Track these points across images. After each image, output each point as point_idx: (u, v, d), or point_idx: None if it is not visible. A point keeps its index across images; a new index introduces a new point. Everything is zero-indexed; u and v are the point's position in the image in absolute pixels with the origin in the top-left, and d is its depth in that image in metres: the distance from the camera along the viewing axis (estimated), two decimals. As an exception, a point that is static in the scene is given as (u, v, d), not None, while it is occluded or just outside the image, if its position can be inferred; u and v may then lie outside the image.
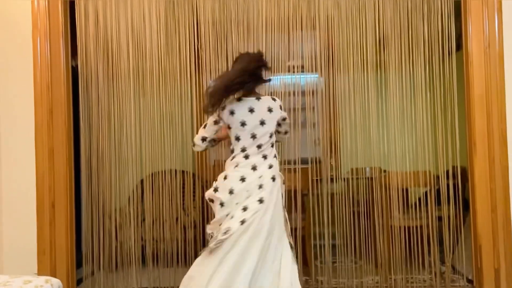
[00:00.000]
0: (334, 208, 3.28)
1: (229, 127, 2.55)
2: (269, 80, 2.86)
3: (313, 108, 3.37)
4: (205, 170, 3.58)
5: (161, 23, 3.25)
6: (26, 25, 3.12)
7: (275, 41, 3.25)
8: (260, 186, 2.44)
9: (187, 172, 3.57)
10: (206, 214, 3.36)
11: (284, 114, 2.64)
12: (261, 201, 2.40)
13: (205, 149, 2.71)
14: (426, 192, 3.31)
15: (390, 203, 3.26)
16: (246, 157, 2.49)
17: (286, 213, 2.56)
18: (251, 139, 2.50)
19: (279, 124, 2.62)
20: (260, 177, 2.46)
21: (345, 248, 3.29)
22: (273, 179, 2.48)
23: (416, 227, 3.26)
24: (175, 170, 3.34)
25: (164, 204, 3.32)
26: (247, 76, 2.48)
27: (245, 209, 2.39)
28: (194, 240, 3.37)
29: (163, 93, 3.28)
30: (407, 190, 3.40)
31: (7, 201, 3.11)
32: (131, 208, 3.31)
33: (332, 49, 3.27)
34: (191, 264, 2.56)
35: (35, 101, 3.11)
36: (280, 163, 3.25)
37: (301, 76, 3.32)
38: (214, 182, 2.53)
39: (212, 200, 2.50)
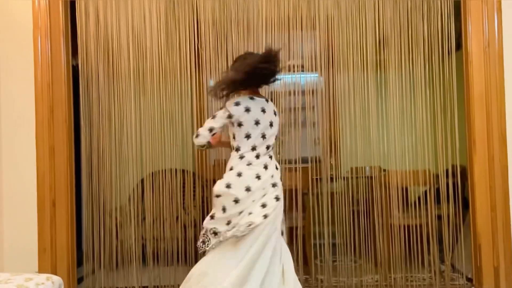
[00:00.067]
0: (334, 207, 3.29)
1: (239, 125, 2.52)
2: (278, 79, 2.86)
3: (313, 107, 3.37)
4: (205, 170, 3.58)
5: (162, 22, 3.25)
6: (27, 24, 3.13)
7: (275, 41, 3.26)
8: (274, 185, 2.51)
9: (187, 171, 3.58)
10: (206, 213, 3.36)
11: None
12: (277, 198, 2.48)
13: (204, 146, 2.60)
14: (425, 191, 3.32)
15: (389, 202, 3.27)
16: (257, 156, 2.52)
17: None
18: (261, 138, 2.54)
19: None
20: (272, 176, 2.52)
21: (345, 247, 3.29)
22: (281, 179, 2.58)
23: (416, 226, 3.27)
24: (175, 169, 3.35)
25: (165, 203, 3.32)
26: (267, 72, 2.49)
27: (264, 205, 2.44)
28: (195, 239, 3.36)
29: (163, 92, 3.28)
30: (406, 189, 3.40)
31: (8, 199, 3.12)
32: (132, 207, 3.31)
33: (332, 48, 3.28)
34: (191, 262, 2.58)
35: (36, 100, 3.12)
36: (280, 163, 3.27)
37: (301, 75, 3.32)
38: (220, 179, 2.51)
39: (219, 196, 2.46)
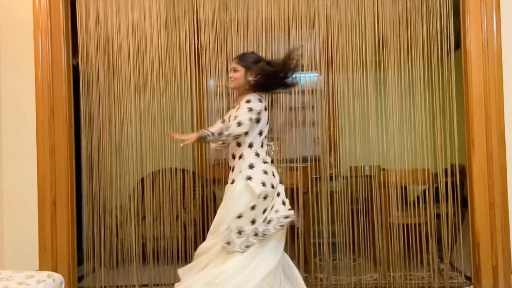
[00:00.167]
0: (334, 206, 3.30)
1: (257, 121, 2.50)
2: None
3: (313, 107, 3.38)
4: (205, 169, 3.59)
5: (162, 22, 3.26)
6: (27, 24, 3.14)
7: (274, 40, 3.27)
8: (281, 182, 2.58)
9: (187, 170, 3.59)
10: (206, 212, 3.38)
11: None
12: (286, 196, 2.58)
13: (224, 144, 2.51)
14: (424, 190, 3.33)
15: (389, 201, 3.28)
16: (267, 153, 2.59)
17: None
18: (265, 137, 2.60)
19: None
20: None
21: (344, 246, 3.30)
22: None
23: (415, 224, 3.28)
24: (175, 169, 3.36)
25: (165, 202, 3.33)
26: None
27: (284, 203, 2.51)
28: (194, 238, 3.38)
29: (163, 91, 3.29)
30: (405, 188, 3.41)
31: (9, 198, 3.13)
32: (132, 206, 3.32)
33: (331, 48, 3.29)
34: (191, 261, 2.57)
35: (36, 99, 3.13)
36: (281, 162, 3.29)
37: (301, 75, 3.33)
38: (250, 179, 2.41)
39: (266, 197, 2.43)
